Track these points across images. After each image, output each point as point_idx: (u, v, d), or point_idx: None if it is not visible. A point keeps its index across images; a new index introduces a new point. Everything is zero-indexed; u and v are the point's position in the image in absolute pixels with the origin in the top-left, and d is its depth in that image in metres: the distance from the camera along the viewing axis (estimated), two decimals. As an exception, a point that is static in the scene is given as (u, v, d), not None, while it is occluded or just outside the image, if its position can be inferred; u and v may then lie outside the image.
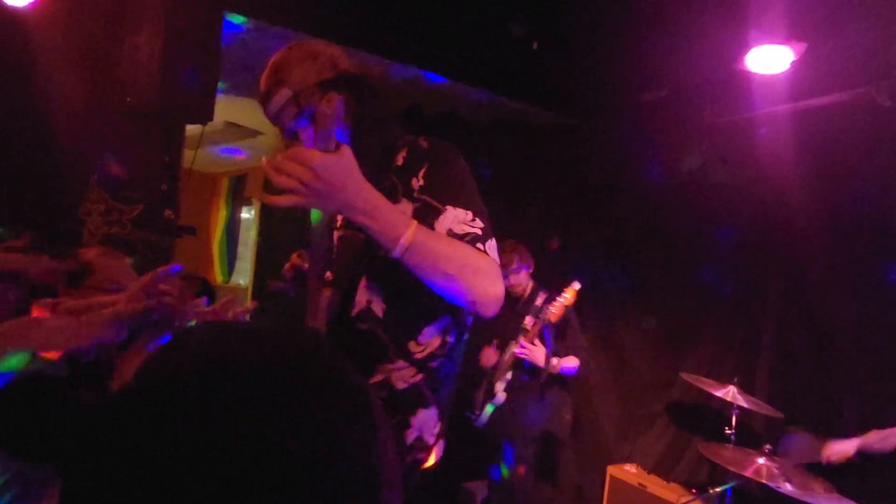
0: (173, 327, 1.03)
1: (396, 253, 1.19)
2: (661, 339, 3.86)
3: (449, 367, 1.44)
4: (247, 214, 7.33)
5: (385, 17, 3.12)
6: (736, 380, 2.99)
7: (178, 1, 2.54)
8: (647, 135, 3.84)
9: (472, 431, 3.43)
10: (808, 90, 3.12)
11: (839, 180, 3.08)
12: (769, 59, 3.00)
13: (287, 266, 1.77)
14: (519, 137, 4.42)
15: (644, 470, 3.79)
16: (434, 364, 1.40)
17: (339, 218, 1.50)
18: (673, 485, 3.60)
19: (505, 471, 3.38)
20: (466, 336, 1.49)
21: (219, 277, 7.15)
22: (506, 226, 3.62)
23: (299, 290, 1.74)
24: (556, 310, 3.21)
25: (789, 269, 3.28)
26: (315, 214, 1.53)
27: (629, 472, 3.78)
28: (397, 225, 1.19)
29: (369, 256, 1.37)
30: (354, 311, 1.39)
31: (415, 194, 1.35)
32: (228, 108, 4.42)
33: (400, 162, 1.40)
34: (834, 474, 2.54)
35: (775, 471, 2.51)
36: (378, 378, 1.37)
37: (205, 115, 2.69)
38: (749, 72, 3.11)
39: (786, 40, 2.88)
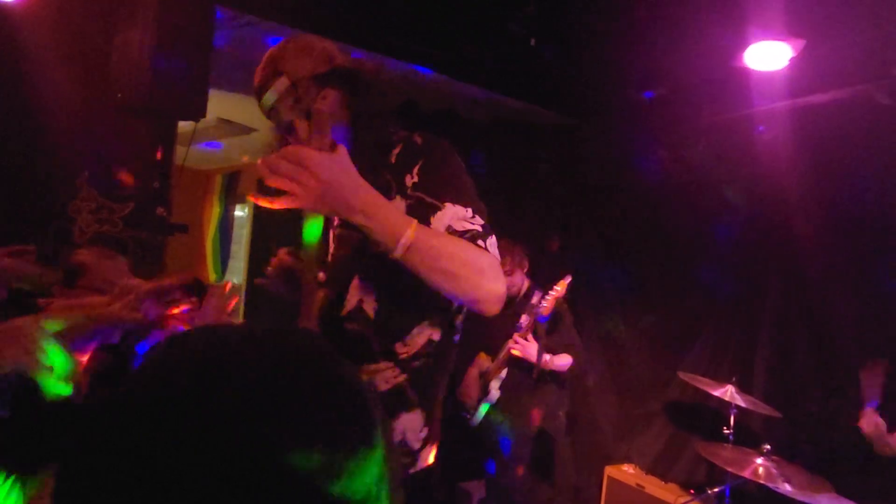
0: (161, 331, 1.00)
1: (397, 253, 1.15)
2: (660, 339, 3.85)
3: (435, 368, 1.40)
4: (240, 212, 7.28)
5: (381, 13, 3.09)
6: (734, 379, 2.98)
7: (170, -5, 2.50)
8: (646, 133, 3.83)
9: (468, 431, 3.41)
10: (807, 87, 3.10)
11: (838, 178, 3.07)
12: (768, 56, 2.99)
13: (273, 262, 1.71)
14: (517, 136, 4.40)
15: (642, 470, 3.78)
16: (417, 364, 1.36)
17: (336, 217, 1.47)
18: (671, 485, 3.59)
19: (503, 462, 3.36)
20: (457, 338, 1.45)
21: (212, 276, 7.10)
22: (504, 225, 3.59)
23: (286, 288, 1.68)
24: (547, 303, 3.20)
25: (788, 268, 3.27)
26: (310, 232, 1.47)
27: (627, 472, 3.77)
28: (397, 224, 1.15)
29: (364, 255, 1.34)
30: (344, 311, 1.37)
31: (408, 191, 1.32)
32: (221, 104, 4.38)
33: (394, 159, 1.37)
34: (833, 474, 2.53)
35: (774, 471, 2.49)
36: None
37: (197, 112, 2.66)
38: (748, 69, 3.10)
39: (784, 37, 2.87)
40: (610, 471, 3.82)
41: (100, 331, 0.85)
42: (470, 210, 1.28)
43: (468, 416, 3.40)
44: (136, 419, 0.44)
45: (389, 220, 1.16)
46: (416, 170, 1.33)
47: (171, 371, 0.47)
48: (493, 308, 1.26)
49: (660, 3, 2.93)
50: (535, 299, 3.39)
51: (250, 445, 0.41)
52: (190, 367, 0.46)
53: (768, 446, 2.59)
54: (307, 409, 0.45)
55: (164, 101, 2.54)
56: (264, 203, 1.13)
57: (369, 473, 0.46)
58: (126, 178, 2.72)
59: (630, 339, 4.01)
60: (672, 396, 3.74)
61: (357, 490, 0.44)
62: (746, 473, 2.51)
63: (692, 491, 3.42)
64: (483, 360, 3.48)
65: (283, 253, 1.71)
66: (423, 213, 1.27)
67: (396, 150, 1.38)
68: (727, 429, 2.94)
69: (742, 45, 2.95)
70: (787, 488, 2.39)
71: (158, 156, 2.86)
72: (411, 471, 1.39)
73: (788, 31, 2.84)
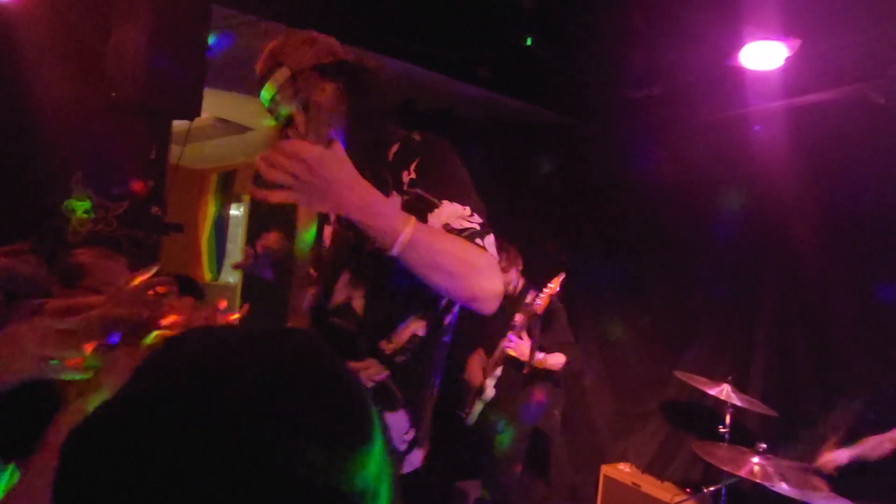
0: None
1: (395, 250, 1.14)
2: (658, 338, 3.85)
3: (422, 367, 1.38)
4: (236, 211, 7.27)
5: (379, 11, 3.08)
6: (730, 378, 2.98)
7: (165, -7, 2.49)
8: (643, 133, 3.83)
9: (464, 430, 3.41)
10: (803, 87, 3.11)
11: (835, 177, 3.08)
12: (763, 56, 2.99)
13: (259, 246, 1.67)
14: (514, 135, 4.39)
15: (638, 469, 3.78)
16: (401, 361, 1.35)
17: (332, 215, 1.46)
18: (667, 484, 3.60)
19: (504, 439, 3.35)
20: (447, 339, 1.44)
21: (207, 275, 7.07)
22: (502, 224, 3.59)
23: (272, 273, 1.66)
24: (541, 300, 3.20)
25: (785, 267, 3.28)
26: (304, 229, 1.46)
27: (623, 471, 3.77)
28: (395, 221, 1.14)
29: (355, 252, 1.34)
30: (330, 306, 1.36)
31: (405, 187, 1.32)
32: (217, 103, 4.36)
33: (392, 156, 1.37)
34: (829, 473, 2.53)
35: (769, 470, 2.50)
36: None
37: (192, 111, 2.64)
38: (743, 68, 3.10)
39: (780, 36, 2.87)
40: (606, 469, 3.82)
41: (103, 332, 0.84)
42: (468, 208, 1.27)
43: (463, 415, 3.41)
44: (136, 419, 0.44)
45: (387, 216, 1.15)
46: (413, 166, 1.32)
47: (171, 371, 0.47)
48: (490, 306, 1.26)
49: (656, 2, 2.93)
50: (529, 297, 3.39)
51: (250, 445, 0.42)
52: (189, 367, 0.47)
53: (764, 445, 2.60)
54: (306, 408, 0.45)
55: (158, 100, 2.53)
56: (262, 197, 1.12)
57: (368, 470, 0.46)
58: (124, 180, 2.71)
59: (628, 338, 4.01)
60: (669, 395, 3.74)
61: (356, 487, 0.45)
62: (742, 472, 2.52)
63: (688, 490, 3.42)
64: (482, 356, 3.48)
65: (272, 237, 1.68)
66: (420, 209, 1.26)
67: (395, 148, 1.38)
68: (723, 428, 2.95)
69: (737, 44, 2.96)
70: (782, 487, 2.40)
71: (153, 155, 2.85)
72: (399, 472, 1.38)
73: (784, 31, 2.84)
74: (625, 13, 3.04)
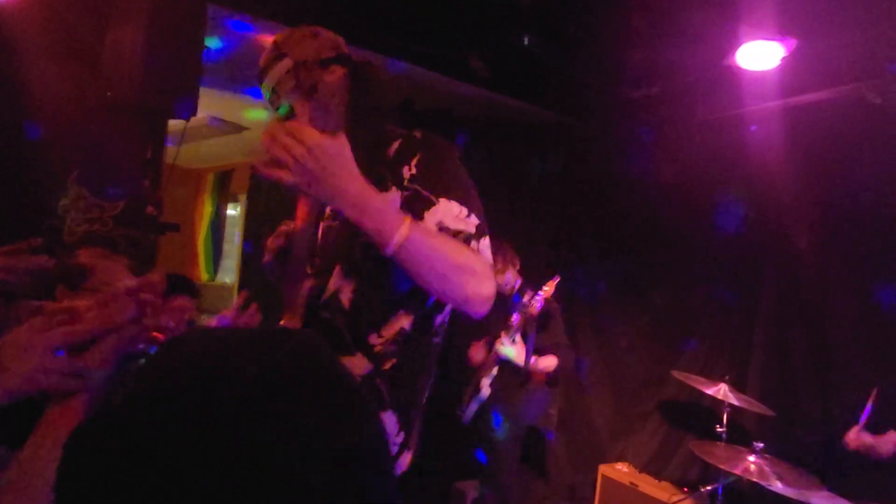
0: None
1: (390, 250, 1.14)
2: (656, 338, 3.85)
3: (410, 367, 1.36)
4: (232, 211, 7.25)
5: (377, 11, 3.08)
6: (727, 378, 2.99)
7: (162, -7, 2.48)
8: (640, 132, 3.84)
9: (463, 432, 3.41)
10: (799, 87, 3.12)
11: (831, 177, 3.09)
12: (759, 56, 3.00)
13: (272, 238, 1.61)
14: (513, 135, 4.39)
15: (636, 469, 3.78)
16: (389, 356, 1.33)
17: (327, 210, 1.46)
18: (665, 483, 3.60)
19: (501, 438, 3.35)
20: (437, 340, 1.42)
21: (204, 275, 7.06)
22: (503, 224, 3.61)
23: (280, 270, 1.63)
24: (536, 302, 3.20)
25: (783, 267, 3.28)
26: (299, 240, 1.44)
27: (621, 471, 3.78)
28: (391, 221, 1.15)
29: (348, 247, 1.33)
30: (322, 301, 1.35)
31: (405, 183, 1.31)
32: (213, 103, 4.36)
33: (392, 153, 1.37)
34: (825, 472, 2.54)
35: (766, 469, 2.51)
36: None
37: (188, 111, 2.64)
38: (739, 68, 3.10)
39: (776, 36, 2.88)
40: (604, 469, 3.82)
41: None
42: (465, 209, 1.27)
43: (460, 413, 3.41)
44: (137, 419, 0.44)
45: (383, 215, 1.15)
46: (414, 162, 1.32)
47: (171, 371, 0.47)
48: (480, 309, 1.26)
49: (653, 2, 2.94)
50: (525, 298, 3.40)
51: (250, 445, 0.42)
52: (189, 367, 0.47)
53: (761, 444, 2.61)
54: (306, 408, 0.46)
55: (155, 100, 2.53)
56: (261, 170, 1.13)
57: (367, 470, 0.47)
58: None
59: (625, 337, 4.01)
60: (667, 395, 3.75)
61: (355, 486, 0.45)
62: (738, 471, 2.52)
63: (686, 489, 3.43)
64: (481, 349, 3.48)
65: (281, 231, 1.61)
66: (417, 206, 1.26)
67: (395, 145, 1.37)
68: (720, 427, 2.95)
69: (734, 44, 2.96)
70: (778, 486, 2.41)
71: (149, 154, 2.84)
72: None
73: (780, 31, 2.85)
74: (623, 13, 3.05)
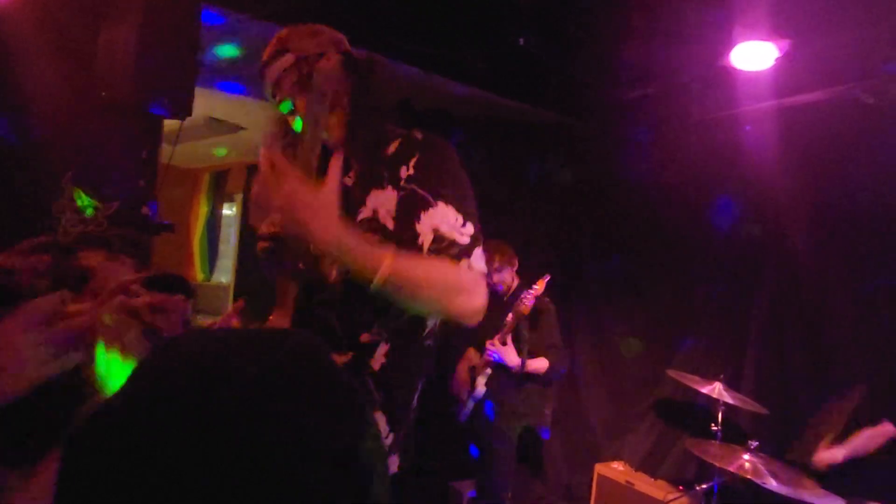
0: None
1: (373, 287, 1.16)
2: (652, 337, 3.86)
3: (400, 367, 1.35)
4: (228, 211, 7.23)
5: (376, 11, 3.07)
6: (722, 376, 3.00)
7: (156, -8, 2.48)
8: (637, 132, 3.85)
9: (459, 432, 3.41)
10: (793, 87, 3.13)
11: (826, 176, 3.10)
12: (754, 56, 3.01)
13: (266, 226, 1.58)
14: (513, 135, 4.40)
15: (632, 467, 3.80)
16: (378, 354, 1.32)
17: None
18: (660, 482, 3.61)
19: (492, 459, 3.36)
20: (430, 343, 1.42)
21: (199, 275, 7.04)
22: (502, 224, 3.61)
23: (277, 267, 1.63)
24: (527, 301, 3.21)
25: (779, 266, 3.30)
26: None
27: (616, 469, 3.79)
28: (373, 260, 1.16)
29: None
30: (315, 299, 1.35)
31: (402, 182, 1.31)
32: (209, 102, 4.34)
33: (391, 152, 1.37)
34: (819, 470, 2.55)
35: (760, 467, 2.52)
36: None
37: (183, 110, 2.63)
38: (734, 68, 3.12)
39: (770, 37, 2.89)
40: (600, 468, 3.83)
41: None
42: (461, 217, 1.27)
43: (456, 413, 3.41)
44: (137, 419, 0.44)
45: (365, 257, 1.17)
46: (412, 162, 1.32)
47: (171, 371, 0.48)
48: (472, 321, 1.28)
49: (649, 2, 2.94)
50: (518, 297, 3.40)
51: (250, 445, 0.42)
52: (189, 367, 0.47)
53: (755, 442, 2.62)
54: (306, 408, 0.46)
55: (149, 100, 2.52)
56: (257, 202, 1.18)
57: (365, 470, 0.47)
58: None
59: (621, 336, 4.02)
60: (662, 394, 3.76)
61: (354, 486, 0.45)
62: (733, 469, 2.53)
63: (681, 487, 3.44)
64: (472, 356, 3.48)
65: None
66: (414, 206, 1.27)
67: (394, 144, 1.37)
68: (715, 425, 2.97)
69: (728, 44, 2.97)
70: (773, 484, 2.42)
71: (144, 154, 2.83)
72: None
73: (774, 32, 2.86)
74: (619, 13, 3.05)
